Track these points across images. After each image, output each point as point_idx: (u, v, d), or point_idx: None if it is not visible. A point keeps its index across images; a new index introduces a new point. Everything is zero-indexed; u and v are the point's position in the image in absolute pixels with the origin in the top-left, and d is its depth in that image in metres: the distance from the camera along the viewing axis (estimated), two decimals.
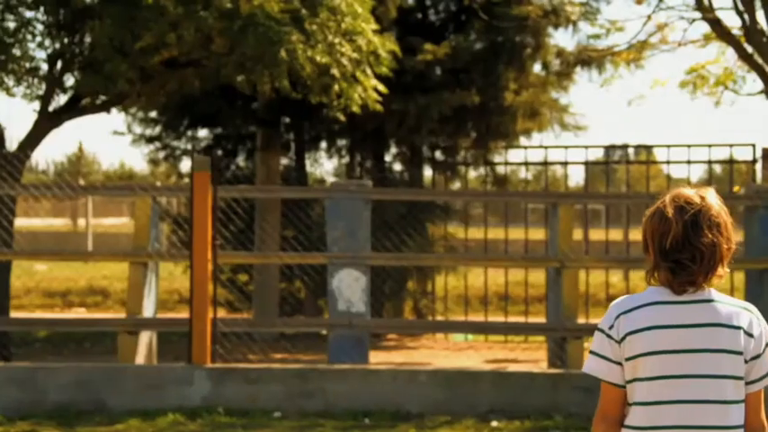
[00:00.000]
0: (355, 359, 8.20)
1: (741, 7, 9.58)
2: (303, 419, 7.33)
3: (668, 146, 13.27)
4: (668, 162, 13.13)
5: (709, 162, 12.41)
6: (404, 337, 12.48)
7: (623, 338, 2.59)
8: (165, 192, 8.32)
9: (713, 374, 2.54)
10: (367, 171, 12.85)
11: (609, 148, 14.49)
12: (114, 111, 11.96)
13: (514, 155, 17.09)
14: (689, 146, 12.59)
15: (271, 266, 11.31)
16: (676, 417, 2.54)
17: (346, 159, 13.26)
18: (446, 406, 7.48)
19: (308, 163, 13.23)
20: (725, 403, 2.54)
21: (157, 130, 12.89)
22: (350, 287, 8.46)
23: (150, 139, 12.82)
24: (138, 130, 12.90)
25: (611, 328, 2.62)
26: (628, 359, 2.58)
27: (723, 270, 2.61)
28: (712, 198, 2.61)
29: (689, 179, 13.01)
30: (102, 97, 9.84)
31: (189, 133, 12.88)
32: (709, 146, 12.35)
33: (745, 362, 2.56)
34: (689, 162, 12.71)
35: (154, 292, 8.73)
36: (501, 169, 13.11)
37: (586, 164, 12.82)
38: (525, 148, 12.82)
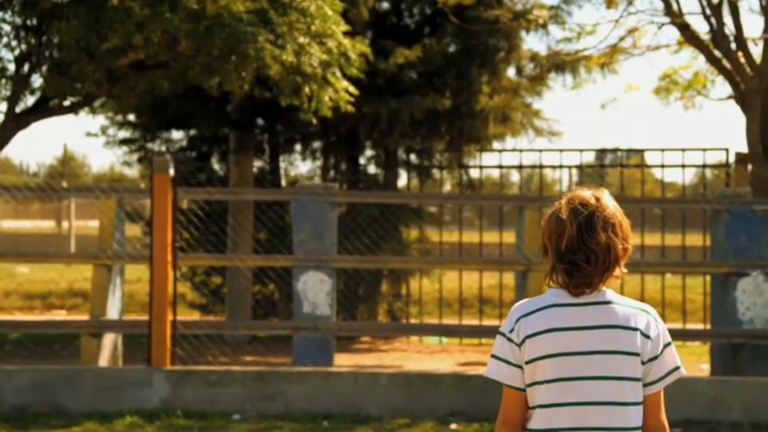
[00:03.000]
0: (320, 362, 8.19)
1: (709, 12, 9.61)
2: (262, 422, 7.32)
3: (642, 150, 13.33)
4: (643, 166, 13.18)
5: (683, 166, 12.43)
6: (377, 339, 12.46)
7: (523, 342, 2.58)
8: (126, 193, 8.30)
9: (610, 376, 2.54)
10: (342, 174, 12.85)
11: (600, 152, 14.50)
12: (109, 112, 11.99)
13: (494, 158, 17.11)
14: (662, 150, 12.64)
15: (243, 269, 11.29)
16: (575, 419, 2.53)
17: (321, 162, 13.26)
18: (406, 408, 7.47)
19: (282, 165, 13.22)
20: (623, 405, 2.54)
21: (131, 132, 12.87)
22: (315, 290, 8.45)
23: (124, 142, 12.80)
24: (112, 131, 12.89)
25: (511, 331, 2.61)
26: (527, 362, 2.58)
27: (620, 271, 2.60)
28: (607, 199, 2.61)
29: (663, 181, 13.06)
30: (71, 99, 9.82)
31: (163, 135, 12.86)
32: (683, 150, 12.39)
33: (643, 363, 2.56)
34: (662, 166, 12.75)
35: (119, 294, 8.71)
36: (475, 173, 13.13)
37: (561, 167, 12.84)
38: (500, 151, 12.85)
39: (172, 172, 7.56)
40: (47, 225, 32.03)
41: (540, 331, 2.56)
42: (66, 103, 9.95)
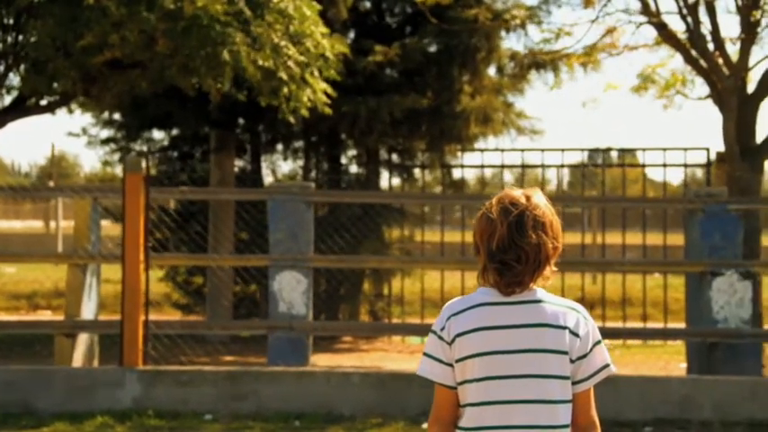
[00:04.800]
0: (295, 361, 8.19)
1: (685, 12, 9.61)
2: (234, 422, 7.31)
3: (623, 149, 13.36)
4: (623, 165, 13.19)
5: (664, 165, 12.46)
6: (358, 339, 12.47)
7: (453, 340, 2.59)
8: (99, 193, 8.29)
9: (539, 374, 2.54)
10: (323, 173, 12.84)
11: (592, 152, 14.49)
12: (95, 111, 11.95)
13: (476, 158, 17.09)
14: (644, 149, 12.69)
15: (225, 269, 11.29)
16: (503, 417, 2.54)
17: (303, 161, 13.24)
18: (378, 408, 7.47)
19: (264, 165, 13.22)
20: (551, 403, 2.54)
21: (114, 131, 12.85)
22: (291, 289, 8.45)
23: (105, 141, 12.78)
24: (93, 131, 12.88)
25: (442, 329, 2.62)
26: (458, 360, 2.58)
27: (550, 270, 2.61)
28: (538, 198, 2.61)
29: (644, 180, 13.08)
30: (48, 98, 9.81)
31: (144, 135, 12.84)
32: (664, 149, 12.42)
33: (572, 361, 2.56)
34: (643, 165, 12.78)
35: (95, 294, 8.69)
36: (458, 172, 13.14)
37: (542, 167, 12.85)
38: (482, 151, 12.86)
39: (144, 171, 7.55)
40: (37, 225, 32.04)
41: (469, 330, 2.57)
42: (43, 102, 9.93)
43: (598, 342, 2.61)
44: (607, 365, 2.61)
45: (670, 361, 10.93)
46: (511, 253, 2.55)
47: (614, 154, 13.92)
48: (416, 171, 13.03)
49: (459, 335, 2.58)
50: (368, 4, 12.57)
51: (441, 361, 2.61)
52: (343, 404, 7.51)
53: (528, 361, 2.54)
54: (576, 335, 2.57)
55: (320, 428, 7.21)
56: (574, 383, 2.58)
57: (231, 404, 7.50)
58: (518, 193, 2.61)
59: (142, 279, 7.48)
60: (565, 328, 2.56)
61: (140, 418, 7.23)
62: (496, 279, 2.59)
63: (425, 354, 2.65)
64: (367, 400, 7.50)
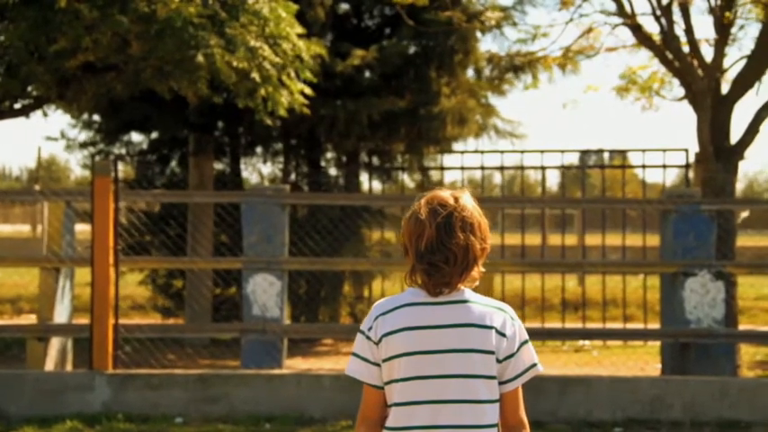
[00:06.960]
0: (267, 364, 8.17)
1: (659, 13, 9.62)
2: (204, 425, 7.29)
3: (605, 150, 13.37)
4: (603, 167, 13.21)
5: (644, 167, 12.48)
6: (338, 342, 12.44)
7: (380, 340, 2.60)
8: (68, 196, 8.26)
9: (465, 374, 2.55)
10: (303, 176, 12.83)
11: (584, 153, 14.48)
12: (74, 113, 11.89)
13: (474, 160, 17.07)
14: (624, 150, 12.72)
15: (204, 272, 11.26)
16: (429, 417, 2.55)
17: (282, 164, 13.22)
18: (349, 410, 7.44)
19: (244, 168, 13.20)
20: (478, 402, 2.55)
21: (93, 135, 12.81)
22: (264, 292, 8.43)
23: (84, 145, 12.75)
24: (72, 134, 12.86)
25: (370, 329, 2.63)
26: (384, 360, 2.60)
27: (478, 271, 2.61)
28: (466, 200, 2.62)
29: (623, 182, 13.09)
30: (21, 101, 9.78)
31: (123, 138, 12.81)
32: (644, 150, 12.44)
33: (498, 361, 2.57)
34: (623, 167, 12.78)
35: (68, 298, 8.67)
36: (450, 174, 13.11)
37: (522, 168, 12.87)
38: (462, 153, 12.86)
39: (114, 174, 7.53)
40: (26, 229, 32.01)
41: (395, 330, 2.58)
42: (17, 106, 9.90)
43: (525, 342, 2.62)
44: (534, 365, 2.62)
45: (649, 361, 10.93)
46: (439, 254, 2.56)
47: (604, 156, 13.94)
48: (396, 173, 13.02)
49: (386, 334, 2.58)
50: (346, 6, 12.56)
51: (368, 361, 2.62)
52: (313, 407, 7.50)
53: (454, 361, 2.54)
54: (503, 335, 2.58)
55: (290, 431, 7.20)
56: (501, 383, 2.58)
57: (202, 407, 7.48)
58: (446, 195, 2.62)
59: (112, 282, 7.46)
60: (491, 327, 2.57)
61: (110, 422, 7.20)
62: (425, 280, 2.59)
63: (353, 353, 2.67)
64: (338, 402, 7.49)
